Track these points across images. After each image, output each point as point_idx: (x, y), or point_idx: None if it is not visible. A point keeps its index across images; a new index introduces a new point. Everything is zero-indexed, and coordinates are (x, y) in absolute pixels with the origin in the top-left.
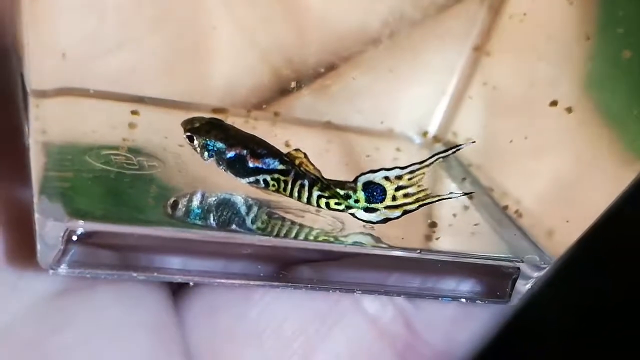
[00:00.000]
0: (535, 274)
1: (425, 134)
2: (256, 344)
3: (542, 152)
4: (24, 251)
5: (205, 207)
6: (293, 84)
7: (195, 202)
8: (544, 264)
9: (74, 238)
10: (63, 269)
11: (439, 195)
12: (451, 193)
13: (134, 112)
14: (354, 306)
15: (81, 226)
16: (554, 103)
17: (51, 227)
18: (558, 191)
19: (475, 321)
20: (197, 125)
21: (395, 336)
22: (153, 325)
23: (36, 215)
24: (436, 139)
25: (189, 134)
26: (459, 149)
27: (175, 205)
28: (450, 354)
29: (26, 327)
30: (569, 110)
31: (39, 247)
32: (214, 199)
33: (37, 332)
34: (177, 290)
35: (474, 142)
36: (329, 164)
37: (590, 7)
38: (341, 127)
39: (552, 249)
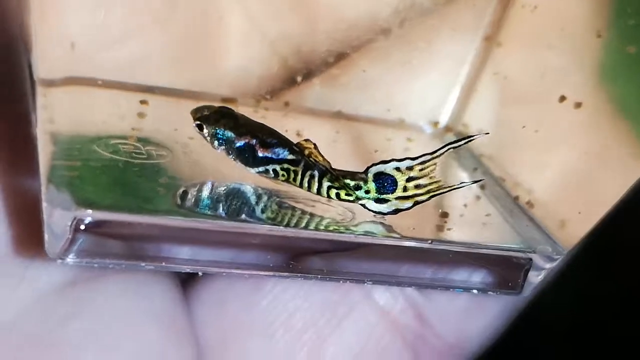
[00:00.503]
0: (548, 265)
1: (436, 124)
2: (266, 334)
3: (554, 143)
4: (33, 241)
5: (215, 197)
6: (303, 74)
7: (205, 192)
8: (557, 255)
9: (82, 227)
10: (71, 258)
11: (451, 186)
12: (462, 183)
13: (142, 102)
14: (364, 297)
15: (89, 215)
16: (562, 98)
17: (59, 216)
18: (570, 182)
19: (487, 313)
20: (206, 113)
21: (406, 327)
22: (162, 315)
23: (44, 205)
24: (447, 129)
25: (198, 122)
26: (471, 140)
27: (184, 195)
28: (461, 346)
29: (35, 318)
30: (578, 105)
31: (46, 236)
32: (223, 188)
33: (46, 322)
34: (186, 281)
35: (487, 133)
36: (339, 154)
37: None
38: (351, 117)
39: (564, 240)
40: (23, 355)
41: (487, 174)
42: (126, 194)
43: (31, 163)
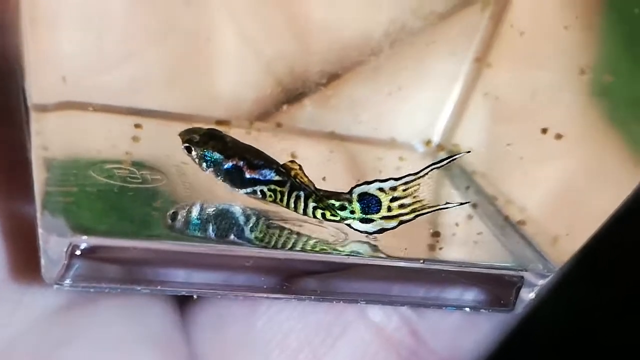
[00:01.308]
0: (539, 282)
1: (428, 142)
2: (262, 355)
3: (545, 160)
4: (29, 266)
5: (204, 218)
6: (296, 95)
7: (194, 213)
8: (548, 272)
9: (78, 253)
10: (67, 283)
11: (436, 206)
12: (447, 203)
13: (137, 126)
14: (358, 316)
15: (84, 241)
16: (544, 131)
17: (55, 242)
18: (561, 199)
19: (480, 329)
20: (195, 136)
21: (400, 344)
22: (158, 338)
23: (40, 231)
24: (440, 147)
25: (187, 144)
26: (454, 159)
27: (174, 216)
28: None
29: (30, 342)
30: (558, 136)
31: (43, 262)
32: (212, 209)
33: (41, 346)
34: (184, 303)
35: (469, 152)
36: (332, 173)
37: (590, 16)
38: (344, 137)
39: (555, 257)
40: None
41: (480, 192)
42: (121, 219)
43: (28, 189)
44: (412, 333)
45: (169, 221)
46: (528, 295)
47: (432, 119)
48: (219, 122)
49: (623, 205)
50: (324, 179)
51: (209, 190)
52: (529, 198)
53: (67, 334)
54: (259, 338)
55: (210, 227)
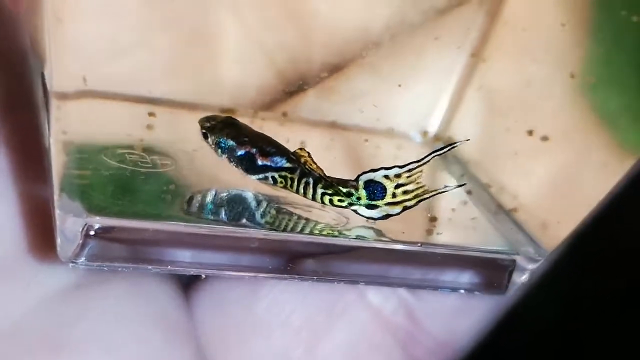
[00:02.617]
0: (530, 267)
1: (425, 133)
2: (264, 334)
3: (536, 151)
4: (40, 245)
5: (218, 203)
6: (298, 85)
7: (209, 198)
8: (539, 257)
9: (92, 233)
10: (82, 262)
11: (435, 190)
12: (446, 186)
13: (150, 114)
14: (358, 298)
15: (98, 221)
16: (530, 132)
17: (71, 223)
18: (552, 187)
19: (475, 313)
20: (212, 123)
21: (398, 327)
22: (165, 317)
23: (57, 212)
24: (436, 138)
25: (204, 131)
26: (453, 147)
27: (191, 200)
28: (450, 343)
29: (42, 320)
30: (545, 138)
31: (59, 241)
32: (225, 195)
33: (52, 324)
34: (187, 285)
35: (468, 140)
36: (333, 161)
37: (583, 14)
38: (345, 127)
39: (546, 242)
40: (29, 355)
41: (474, 179)
42: (133, 201)
43: (41, 170)
44: (409, 316)
45: (185, 205)
46: (520, 278)
47: (429, 111)
48: (224, 110)
49: (613, 196)
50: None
51: (215, 175)
52: (520, 186)
53: (76, 312)
54: (262, 318)
55: (224, 211)
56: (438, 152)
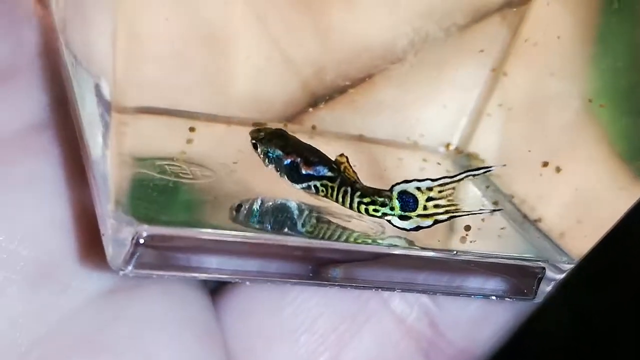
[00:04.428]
0: (558, 275)
1: (448, 145)
2: (290, 340)
3: (556, 164)
4: (78, 252)
5: (264, 211)
6: (325, 98)
7: (256, 206)
8: (567, 265)
9: (142, 241)
10: (131, 269)
11: (469, 211)
12: (481, 209)
13: (191, 129)
14: (382, 306)
15: (147, 230)
16: (545, 164)
17: (122, 232)
18: (576, 198)
19: (495, 322)
20: (261, 134)
21: (420, 335)
22: (197, 322)
23: (110, 221)
24: (458, 150)
25: (253, 141)
26: (489, 171)
27: (238, 208)
28: (471, 351)
29: (78, 324)
30: (558, 169)
31: (110, 250)
32: (271, 203)
33: (89, 328)
34: (214, 291)
35: (505, 165)
36: (360, 173)
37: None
38: (370, 139)
39: (572, 251)
40: (65, 357)
41: (498, 191)
42: (178, 210)
43: (81, 179)
44: (431, 324)
45: (233, 212)
46: (547, 286)
47: (452, 124)
48: (255, 124)
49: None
50: None
51: (253, 185)
52: (542, 198)
53: (112, 316)
54: (287, 324)
55: (268, 220)
56: (473, 172)
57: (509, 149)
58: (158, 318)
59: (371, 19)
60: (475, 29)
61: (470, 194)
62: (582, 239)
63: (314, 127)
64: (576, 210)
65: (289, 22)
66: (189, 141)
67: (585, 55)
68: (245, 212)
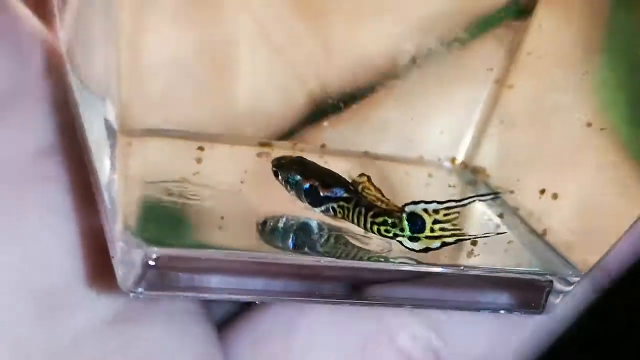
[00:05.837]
0: (566, 288)
1: (454, 160)
2: None
3: (561, 177)
4: (85, 276)
5: (286, 229)
6: (329, 115)
7: (280, 224)
8: (574, 278)
9: (152, 263)
10: (141, 291)
11: (475, 235)
12: (486, 233)
13: (199, 148)
14: (389, 341)
15: (157, 252)
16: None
17: (132, 254)
18: (583, 210)
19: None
20: (282, 162)
21: None
22: (201, 354)
23: (120, 244)
24: (464, 165)
25: (274, 169)
26: (497, 196)
27: (263, 226)
28: None
29: (84, 350)
30: (564, 181)
31: (120, 272)
32: (292, 222)
33: (95, 354)
34: (220, 322)
35: (512, 191)
36: None
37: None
38: (376, 155)
39: (579, 264)
40: None
41: (504, 204)
42: (186, 231)
43: (93, 201)
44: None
45: (259, 227)
46: (556, 300)
47: (456, 138)
48: (262, 144)
49: None
50: None
51: (261, 206)
52: (548, 211)
53: (118, 343)
54: (295, 356)
55: (290, 239)
56: (480, 197)
57: (514, 161)
58: (165, 347)
59: (374, 35)
60: (478, 42)
61: (476, 204)
62: (589, 251)
63: (323, 146)
64: (583, 221)
65: (293, 39)
66: (199, 160)
67: (590, 66)
68: (269, 229)
